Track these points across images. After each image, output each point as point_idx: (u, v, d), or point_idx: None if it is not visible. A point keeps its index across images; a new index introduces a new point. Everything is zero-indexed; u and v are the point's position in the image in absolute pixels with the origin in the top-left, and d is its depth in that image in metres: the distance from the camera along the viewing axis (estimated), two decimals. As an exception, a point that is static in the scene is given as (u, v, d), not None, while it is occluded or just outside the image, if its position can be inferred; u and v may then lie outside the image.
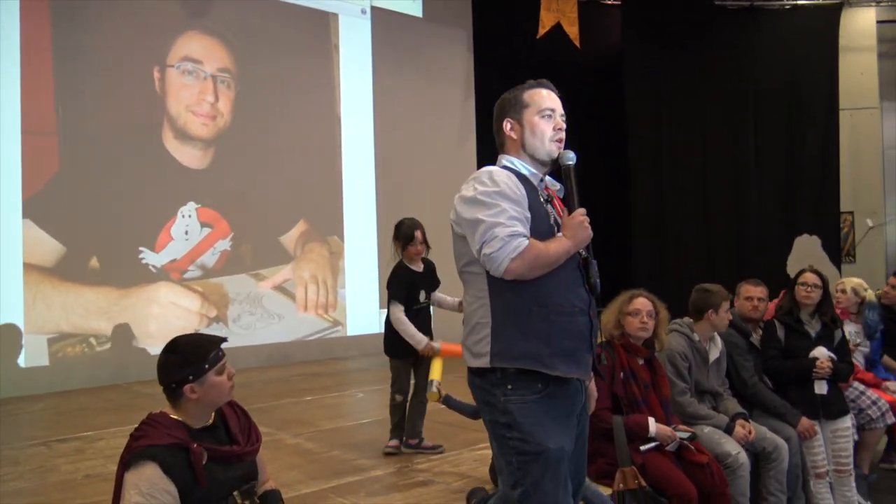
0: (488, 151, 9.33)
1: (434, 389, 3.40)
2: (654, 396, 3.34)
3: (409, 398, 4.22)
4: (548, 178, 2.22)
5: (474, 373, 2.07)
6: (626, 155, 11.51)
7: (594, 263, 2.12)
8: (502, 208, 1.98)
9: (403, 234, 4.24)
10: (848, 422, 3.84)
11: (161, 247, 7.51)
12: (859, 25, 11.95)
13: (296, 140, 8.44)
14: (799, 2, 11.86)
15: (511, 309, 2.00)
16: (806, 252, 9.02)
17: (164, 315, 7.51)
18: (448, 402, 3.49)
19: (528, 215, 2.02)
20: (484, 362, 2.01)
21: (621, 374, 3.33)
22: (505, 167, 2.16)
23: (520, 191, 2.04)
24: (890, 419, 4.11)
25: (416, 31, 9.53)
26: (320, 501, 3.27)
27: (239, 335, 7.81)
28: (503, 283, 1.99)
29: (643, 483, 3.04)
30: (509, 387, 1.98)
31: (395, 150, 9.24)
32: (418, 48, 9.54)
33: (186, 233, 7.65)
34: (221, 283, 7.87)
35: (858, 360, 4.45)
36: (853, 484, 3.78)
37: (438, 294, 4.36)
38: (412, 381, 4.28)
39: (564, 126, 2.18)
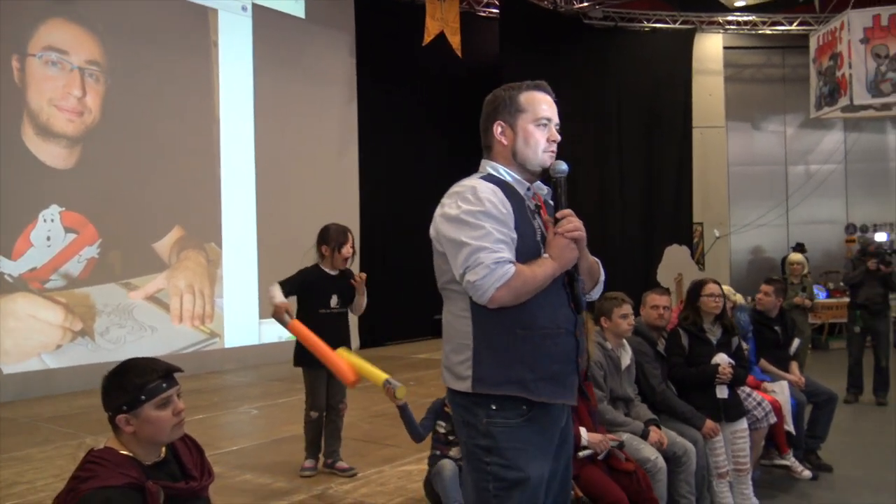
0: (371, 157, 9.27)
1: (399, 384, 3.09)
2: (583, 407, 3.42)
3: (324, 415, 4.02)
4: (537, 183, 2.11)
5: (455, 392, 1.98)
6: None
7: (580, 280, 2.05)
8: (487, 230, 1.86)
9: (334, 238, 4.04)
10: (745, 423, 4.11)
11: (19, 254, 6.79)
12: (708, 50, 12.96)
13: (171, 140, 7.94)
14: (657, 25, 12.68)
15: (494, 332, 1.91)
16: (676, 261, 9.61)
17: (22, 329, 6.81)
18: (404, 410, 3.25)
19: (514, 236, 1.92)
20: (466, 386, 1.92)
21: (553, 386, 3.38)
22: (490, 176, 2.02)
23: (506, 208, 1.92)
24: (772, 419, 4.42)
25: (298, 32, 9.27)
26: (249, 532, 3.07)
27: (107, 350, 7.24)
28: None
29: (579, 494, 3.11)
30: (493, 406, 1.90)
31: (276, 153, 8.92)
32: (301, 49, 9.28)
33: (48, 238, 6.98)
34: (88, 293, 7.25)
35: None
36: (751, 482, 4.05)
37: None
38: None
39: (559, 137, 2.07)
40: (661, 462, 3.52)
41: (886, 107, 9.23)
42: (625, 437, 3.57)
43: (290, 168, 9.04)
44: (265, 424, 5.51)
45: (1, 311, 6.68)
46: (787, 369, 5.16)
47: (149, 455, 2.03)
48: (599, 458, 3.29)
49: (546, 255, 1.94)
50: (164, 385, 2.02)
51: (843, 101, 8.41)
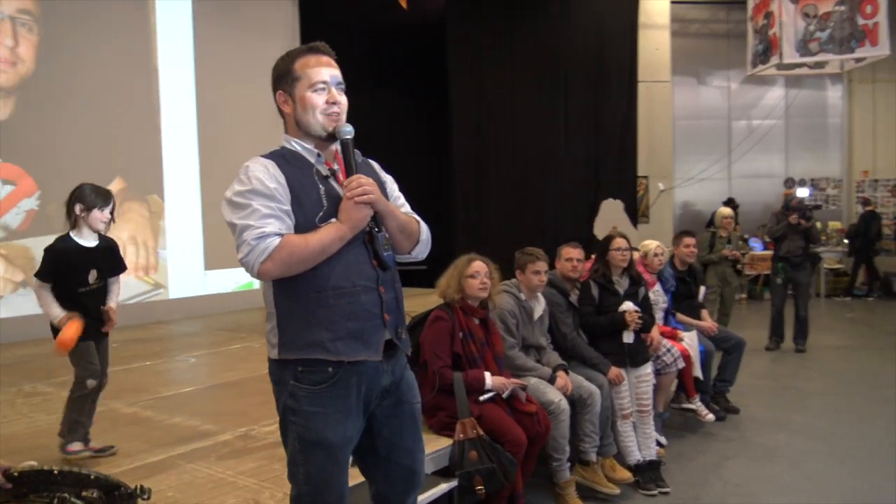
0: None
1: None
2: (489, 353, 3.66)
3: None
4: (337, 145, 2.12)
5: (270, 359, 2.06)
6: (449, 118, 11.81)
7: (380, 236, 2.05)
8: (253, 208, 1.92)
9: (88, 199, 3.38)
10: (649, 368, 4.41)
11: (-46, 206, 6.78)
12: (655, 4, 13.04)
13: (109, 91, 7.85)
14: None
15: (290, 297, 1.99)
16: (610, 214, 9.88)
17: (-39, 281, 6.83)
18: None
19: (286, 208, 1.96)
20: (275, 354, 2.02)
21: (460, 334, 3.61)
22: (281, 149, 2.09)
23: (276, 182, 1.96)
24: (681, 364, 4.74)
25: (238, -20, 9.15)
26: (169, 469, 3.25)
27: (49, 300, 7.27)
28: None
29: (481, 432, 3.37)
30: (300, 369, 1.98)
31: (217, 104, 8.86)
32: (241, -1, 9.17)
33: (-16, 191, 6.95)
34: (27, 245, 7.24)
35: (659, 315, 5.02)
36: (652, 423, 4.36)
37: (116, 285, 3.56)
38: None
39: (341, 98, 2.06)
40: (565, 404, 3.78)
41: (820, 65, 9.49)
42: (532, 381, 3.84)
43: (232, 119, 8.99)
44: (200, 372, 5.67)
45: (-62, 263, 6.68)
46: (698, 317, 5.47)
47: None
48: (504, 396, 3.54)
49: (334, 220, 1.99)
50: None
51: (775, 60, 8.65)
